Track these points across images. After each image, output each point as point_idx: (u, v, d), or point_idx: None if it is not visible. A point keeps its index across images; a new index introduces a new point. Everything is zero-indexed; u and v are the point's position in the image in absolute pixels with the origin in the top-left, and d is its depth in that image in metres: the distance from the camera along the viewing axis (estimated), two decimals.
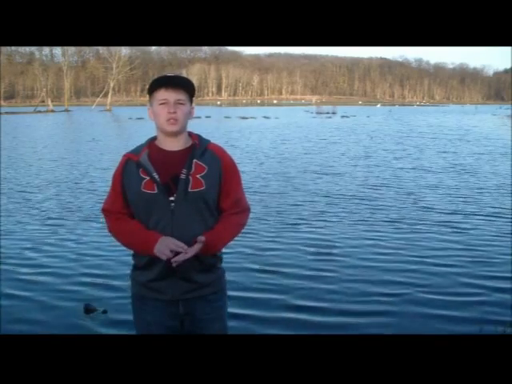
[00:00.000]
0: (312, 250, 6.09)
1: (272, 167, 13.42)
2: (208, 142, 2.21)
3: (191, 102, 2.17)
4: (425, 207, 8.43)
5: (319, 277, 5.18)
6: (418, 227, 7.12)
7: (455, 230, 7.00)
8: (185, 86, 2.12)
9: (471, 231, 6.94)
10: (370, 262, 5.63)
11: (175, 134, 2.13)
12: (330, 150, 17.94)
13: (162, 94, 2.09)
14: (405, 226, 7.17)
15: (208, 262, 2.16)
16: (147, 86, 2.19)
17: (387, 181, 11.15)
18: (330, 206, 8.62)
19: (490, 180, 11.26)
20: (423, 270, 5.36)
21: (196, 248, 2.03)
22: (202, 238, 2.04)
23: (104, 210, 2.25)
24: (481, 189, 10.13)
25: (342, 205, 8.66)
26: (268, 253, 6.02)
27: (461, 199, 9.11)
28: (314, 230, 7.07)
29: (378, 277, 5.17)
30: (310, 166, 13.47)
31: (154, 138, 2.21)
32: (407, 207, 8.44)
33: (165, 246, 2.01)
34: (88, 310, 4.40)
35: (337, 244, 6.34)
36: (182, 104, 2.10)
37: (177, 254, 2.02)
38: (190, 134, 2.21)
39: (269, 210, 8.22)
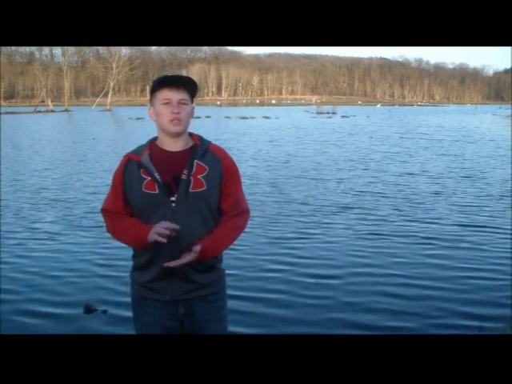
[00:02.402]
0: (301, 270, 5.40)
1: (265, 171, 12.70)
2: (209, 142, 2.21)
3: (192, 101, 2.18)
4: (427, 218, 7.67)
5: (309, 305, 4.51)
6: (420, 242, 6.43)
7: (460, 245, 6.32)
8: (188, 86, 2.12)
9: (478, 247, 6.23)
10: (367, 287, 4.97)
11: (178, 135, 2.12)
12: (327, 152, 17.23)
13: (165, 94, 2.08)
14: (405, 241, 6.46)
15: (208, 263, 2.15)
16: (149, 86, 2.19)
17: (386, 188, 10.33)
18: (324, 216, 7.87)
19: (494, 186, 10.56)
20: (426, 296, 4.71)
21: (190, 257, 2.03)
22: (197, 248, 2.03)
23: (103, 210, 2.24)
24: (488, 196, 9.46)
25: (336, 215, 7.93)
26: (250, 274, 5.31)
27: (466, 209, 8.37)
28: (304, 245, 6.36)
29: (376, 305, 4.52)
30: (305, 171, 12.71)
31: (155, 139, 2.20)
32: (407, 218, 7.69)
33: (153, 232, 1.99)
34: (88, 310, 4.40)
35: (329, 263, 5.68)
36: (184, 104, 2.10)
37: (172, 258, 2.03)
38: (191, 135, 2.20)
39: (253, 221, 6.93)
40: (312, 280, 5.14)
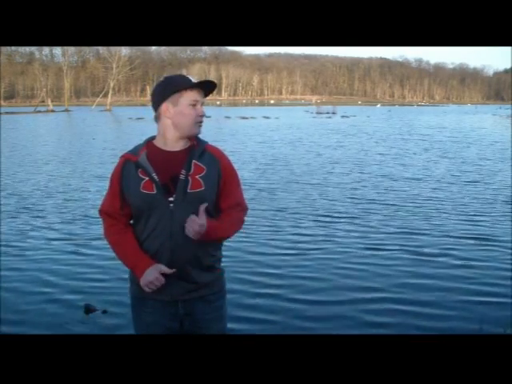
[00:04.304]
0: (296, 291, 4.90)
1: (260, 175, 12.07)
2: (206, 143, 2.20)
3: None
4: (427, 228, 7.09)
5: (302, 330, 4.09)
6: (420, 255, 5.91)
7: (464, 263, 5.68)
8: (210, 92, 2.17)
9: (482, 263, 5.63)
10: (360, 307, 4.47)
11: (194, 136, 2.14)
12: (324, 154, 16.71)
13: (195, 95, 2.09)
14: (405, 255, 5.90)
15: (207, 263, 2.15)
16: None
17: (384, 195, 9.66)
18: (316, 228, 7.21)
19: (500, 191, 9.95)
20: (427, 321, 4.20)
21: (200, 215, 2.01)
22: (202, 207, 2.03)
23: (101, 212, 2.24)
24: (493, 202, 8.87)
25: (330, 227, 7.24)
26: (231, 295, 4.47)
27: (469, 217, 7.76)
28: (292, 260, 5.81)
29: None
30: (302, 176, 12.08)
31: (151, 138, 2.20)
32: (407, 228, 7.09)
33: (146, 280, 2.06)
34: (88, 309, 4.40)
35: (317, 277, 5.23)
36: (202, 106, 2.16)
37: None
38: None
39: (244, 230, 5.85)
40: (306, 305, 4.59)
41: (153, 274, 2.04)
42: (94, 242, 6.47)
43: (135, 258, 2.12)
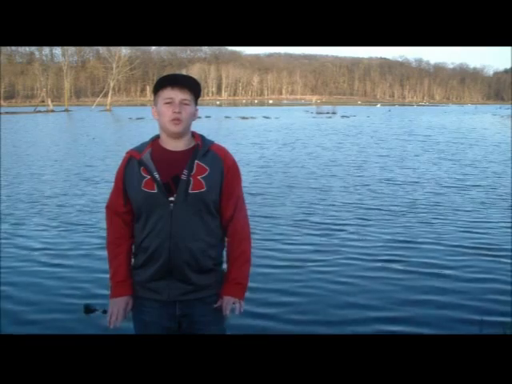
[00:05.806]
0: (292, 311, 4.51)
1: (257, 179, 11.69)
2: (211, 142, 2.20)
3: (196, 102, 2.17)
4: (427, 239, 6.68)
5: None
6: (418, 271, 5.49)
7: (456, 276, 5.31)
8: (191, 86, 2.12)
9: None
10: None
11: (178, 136, 2.12)
12: (321, 156, 16.36)
13: (168, 93, 2.08)
14: (400, 273, 5.41)
15: (205, 265, 2.14)
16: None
17: (385, 200, 9.29)
18: (309, 238, 6.77)
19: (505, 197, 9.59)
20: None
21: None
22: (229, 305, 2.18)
23: (106, 208, 2.26)
24: (497, 208, 8.60)
25: (325, 236, 6.83)
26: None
27: (473, 224, 7.40)
28: (283, 274, 5.40)
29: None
30: (296, 179, 11.71)
31: (157, 137, 2.20)
32: (407, 241, 6.61)
33: (117, 306, 2.18)
34: (88, 310, 4.40)
35: (311, 294, 4.86)
36: (186, 104, 2.10)
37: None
38: (194, 135, 2.20)
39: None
40: (298, 326, 4.20)
41: (121, 305, 2.18)
42: (88, 246, 6.39)
43: (116, 279, 2.20)
